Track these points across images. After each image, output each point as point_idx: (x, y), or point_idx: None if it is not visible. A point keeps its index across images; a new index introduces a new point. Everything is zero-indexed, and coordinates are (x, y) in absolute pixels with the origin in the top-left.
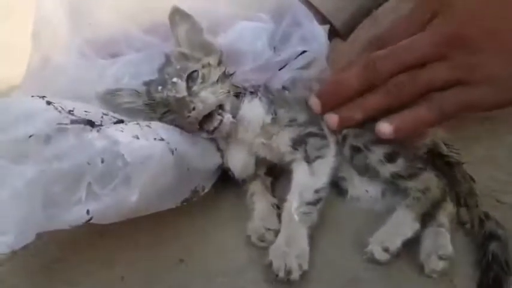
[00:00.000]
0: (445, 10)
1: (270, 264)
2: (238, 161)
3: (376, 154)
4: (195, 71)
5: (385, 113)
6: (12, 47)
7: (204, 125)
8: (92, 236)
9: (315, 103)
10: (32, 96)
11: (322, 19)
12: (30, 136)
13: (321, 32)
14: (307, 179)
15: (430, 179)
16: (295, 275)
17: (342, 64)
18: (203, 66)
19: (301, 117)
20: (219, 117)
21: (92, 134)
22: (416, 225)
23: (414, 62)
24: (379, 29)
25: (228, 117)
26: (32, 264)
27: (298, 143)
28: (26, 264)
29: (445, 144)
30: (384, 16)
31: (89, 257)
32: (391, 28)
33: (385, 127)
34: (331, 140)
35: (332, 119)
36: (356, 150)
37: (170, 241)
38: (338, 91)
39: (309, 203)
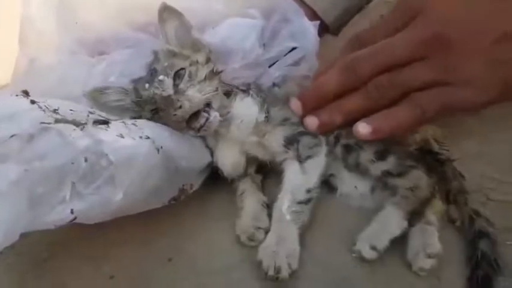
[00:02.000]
0: (425, 10)
1: (260, 263)
2: (229, 160)
3: (367, 152)
4: (182, 68)
5: (366, 114)
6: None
7: (190, 123)
8: (80, 235)
9: (296, 106)
10: (17, 95)
11: (313, 15)
12: (12, 136)
13: (310, 28)
14: (299, 178)
15: (419, 177)
16: (285, 274)
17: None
18: (191, 64)
19: (294, 116)
20: (206, 115)
21: (76, 133)
22: (404, 224)
23: (394, 62)
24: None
25: (214, 115)
26: (19, 263)
27: (290, 142)
28: (14, 263)
29: (436, 141)
30: (375, 11)
31: (77, 256)
32: (371, 27)
33: (363, 128)
34: (323, 139)
35: (312, 122)
36: (349, 148)
37: (159, 239)
38: (318, 94)
39: (300, 202)
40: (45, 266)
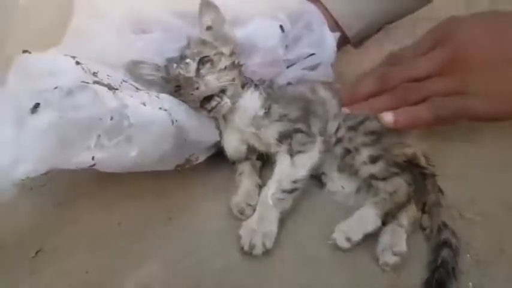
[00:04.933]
0: (448, 39)
1: (240, 238)
2: (232, 144)
3: (362, 155)
4: (207, 56)
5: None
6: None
7: (203, 104)
8: (98, 185)
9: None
10: (65, 55)
11: (336, 25)
12: (56, 87)
13: (330, 40)
14: (288, 169)
15: (399, 184)
16: (258, 251)
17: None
18: (215, 54)
19: (293, 113)
20: (218, 99)
21: (108, 95)
22: (378, 222)
23: (420, 75)
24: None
25: (225, 102)
26: (46, 198)
27: (284, 137)
28: (42, 198)
29: (425, 157)
30: (395, 32)
31: (93, 201)
32: (404, 48)
33: (388, 116)
34: (319, 139)
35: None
36: (347, 151)
37: (164, 200)
38: (356, 93)
39: (284, 191)
40: (65, 204)
